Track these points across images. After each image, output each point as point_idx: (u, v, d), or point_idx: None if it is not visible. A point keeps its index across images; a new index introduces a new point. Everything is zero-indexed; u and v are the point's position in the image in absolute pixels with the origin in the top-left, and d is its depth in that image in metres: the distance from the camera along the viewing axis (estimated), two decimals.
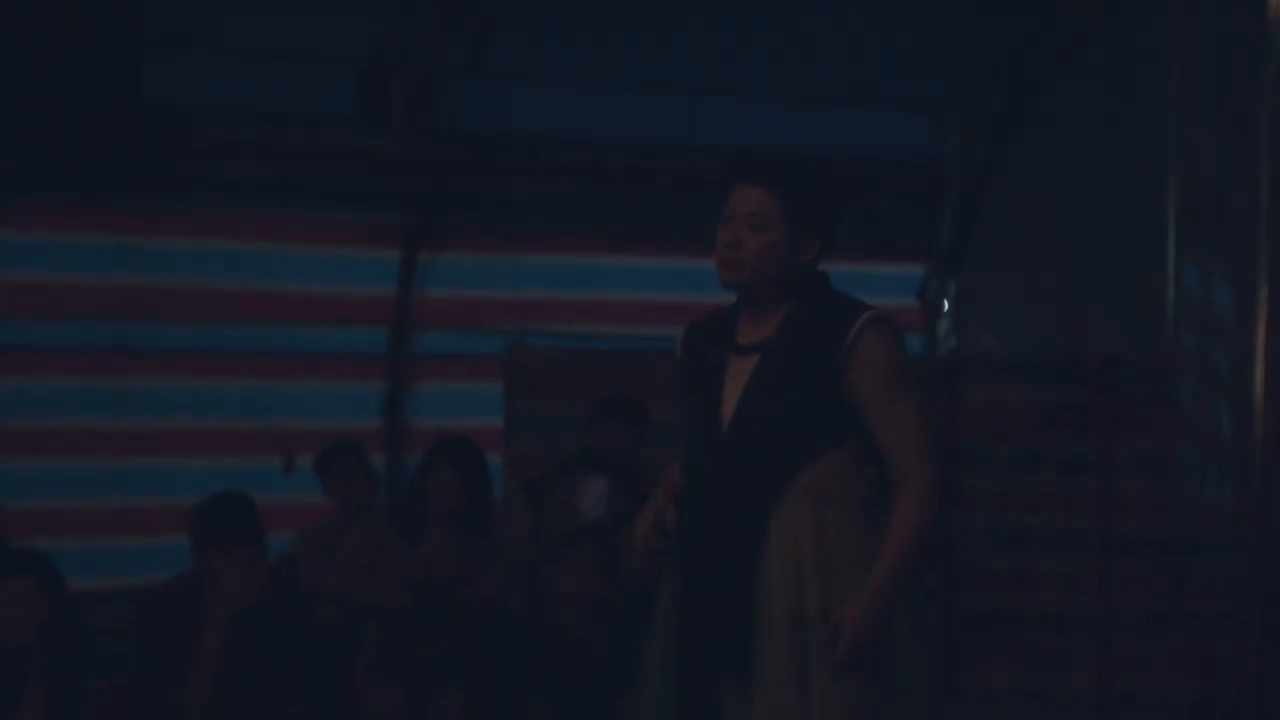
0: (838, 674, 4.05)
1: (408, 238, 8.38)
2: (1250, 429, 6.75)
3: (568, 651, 6.11)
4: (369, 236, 8.35)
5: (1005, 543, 7.54)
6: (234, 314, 8.01)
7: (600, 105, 8.45)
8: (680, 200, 8.25)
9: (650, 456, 7.02)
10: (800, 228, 4.18)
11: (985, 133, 8.98)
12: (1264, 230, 6.74)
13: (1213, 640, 7.11)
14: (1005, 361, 8.22)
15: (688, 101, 8.68)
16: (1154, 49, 7.38)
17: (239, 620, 5.87)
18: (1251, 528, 6.85)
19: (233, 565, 5.92)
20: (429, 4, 7.92)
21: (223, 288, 8.01)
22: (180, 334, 7.92)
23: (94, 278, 7.72)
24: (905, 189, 9.21)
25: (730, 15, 8.08)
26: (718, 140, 8.49)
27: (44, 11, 6.99)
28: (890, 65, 8.42)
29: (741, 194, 4.18)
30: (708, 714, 4.17)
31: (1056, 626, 7.42)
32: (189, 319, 7.93)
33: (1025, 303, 8.67)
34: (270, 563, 6.21)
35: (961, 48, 8.45)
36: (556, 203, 8.56)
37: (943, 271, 9.25)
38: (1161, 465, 7.36)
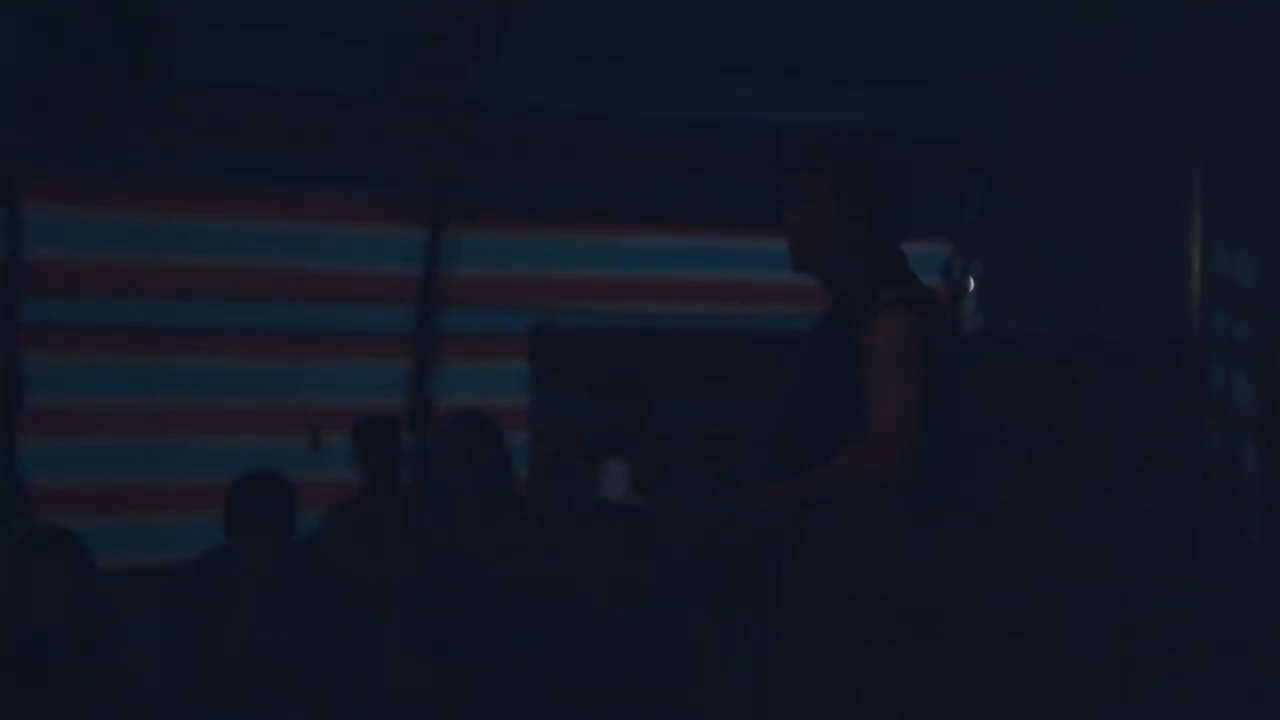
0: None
1: (434, 216, 8.37)
2: (1277, 403, 6.74)
3: (594, 628, 6.13)
4: (395, 215, 8.34)
5: (1030, 520, 7.53)
6: (260, 292, 8.02)
7: (626, 83, 8.45)
8: (706, 179, 8.26)
9: (670, 433, 7.10)
10: (843, 195, 4.21)
11: (1010, 111, 8.97)
12: None
13: (1240, 614, 7.11)
14: (1030, 340, 8.20)
15: (713, 80, 8.67)
16: (1179, 23, 7.36)
17: (268, 597, 5.89)
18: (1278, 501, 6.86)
19: (257, 543, 5.94)
20: None
21: (249, 266, 8.02)
22: (207, 312, 7.94)
23: (121, 256, 7.73)
24: (930, 167, 9.19)
25: None
26: (742, 119, 8.48)
27: None
28: (915, 43, 8.40)
29: (789, 182, 4.26)
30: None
31: (1082, 601, 7.41)
32: (215, 297, 7.95)
33: (1051, 280, 8.65)
34: (295, 541, 6.22)
35: (986, 25, 8.43)
36: (583, 181, 8.56)
37: (968, 250, 9.24)
38: (1188, 441, 7.34)
